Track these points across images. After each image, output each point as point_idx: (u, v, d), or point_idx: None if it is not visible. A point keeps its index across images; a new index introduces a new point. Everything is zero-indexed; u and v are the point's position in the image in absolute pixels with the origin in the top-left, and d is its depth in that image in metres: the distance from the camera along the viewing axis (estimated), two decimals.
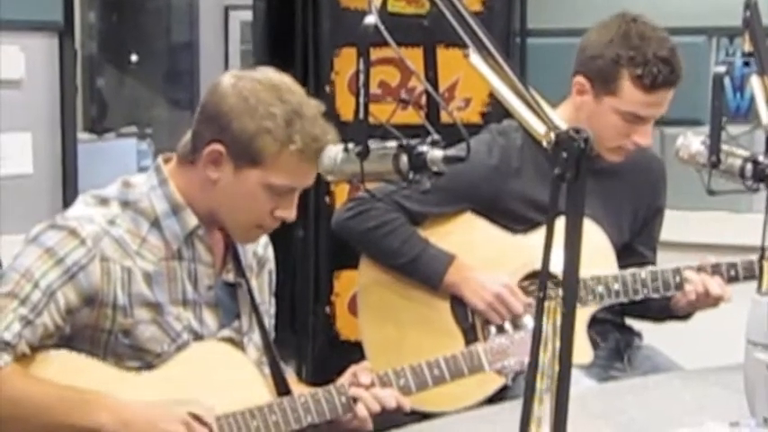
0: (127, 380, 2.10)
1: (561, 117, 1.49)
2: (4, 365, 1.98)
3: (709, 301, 2.73)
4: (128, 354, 2.13)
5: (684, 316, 2.86)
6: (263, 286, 2.37)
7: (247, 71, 2.20)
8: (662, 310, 2.84)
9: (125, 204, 2.17)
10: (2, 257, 2.75)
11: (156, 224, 2.17)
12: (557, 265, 1.41)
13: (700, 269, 2.74)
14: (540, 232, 2.74)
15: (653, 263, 2.92)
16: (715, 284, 2.72)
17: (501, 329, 2.69)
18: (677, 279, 2.74)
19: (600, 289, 2.73)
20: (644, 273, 2.74)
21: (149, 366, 2.15)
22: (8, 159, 3.67)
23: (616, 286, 2.73)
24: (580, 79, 2.76)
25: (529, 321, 2.51)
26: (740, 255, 2.78)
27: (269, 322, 2.39)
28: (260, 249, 2.36)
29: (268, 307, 2.39)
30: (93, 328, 2.11)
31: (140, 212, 2.16)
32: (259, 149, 2.10)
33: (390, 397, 2.23)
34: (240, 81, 2.14)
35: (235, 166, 2.13)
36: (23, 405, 1.99)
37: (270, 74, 2.17)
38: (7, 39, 3.65)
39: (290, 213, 2.18)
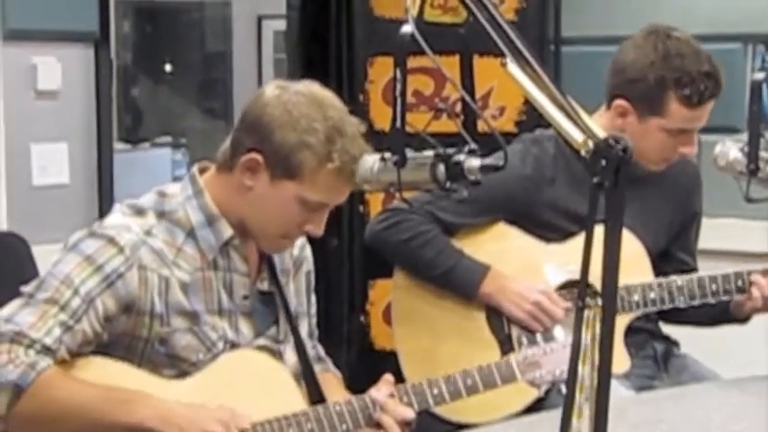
0: (162, 387, 2.11)
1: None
2: (47, 367, 1.99)
3: None
4: (163, 362, 2.14)
5: (743, 319, 2.84)
6: (299, 287, 2.37)
7: (291, 83, 2.20)
8: (721, 314, 2.82)
9: (161, 215, 2.18)
10: (39, 266, 2.78)
11: (191, 235, 2.18)
12: (594, 275, 1.41)
13: (766, 273, 2.72)
14: (574, 241, 2.74)
15: (694, 269, 2.90)
16: None
17: (532, 340, 2.68)
18: (739, 283, 2.72)
19: (636, 297, 2.71)
20: (679, 280, 2.72)
21: (184, 375, 2.15)
22: (45, 169, 3.70)
23: (652, 294, 2.72)
24: (622, 102, 2.73)
25: (560, 333, 2.49)
26: None
27: (309, 322, 2.40)
28: (296, 250, 2.36)
29: (306, 308, 2.40)
30: (131, 336, 2.12)
31: (176, 223, 2.17)
32: (297, 163, 2.11)
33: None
34: (284, 93, 2.14)
35: (271, 177, 2.14)
36: (66, 405, 2.00)
37: (313, 88, 2.17)
38: (44, 49, 3.68)
39: (318, 229, 2.19)
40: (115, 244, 2.10)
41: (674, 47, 2.68)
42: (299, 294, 2.37)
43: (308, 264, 2.41)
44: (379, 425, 2.20)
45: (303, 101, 2.13)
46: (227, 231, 2.19)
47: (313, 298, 2.43)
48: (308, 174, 2.11)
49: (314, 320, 2.43)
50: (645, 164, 2.70)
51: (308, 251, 2.41)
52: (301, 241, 2.37)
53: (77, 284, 2.05)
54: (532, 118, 3.53)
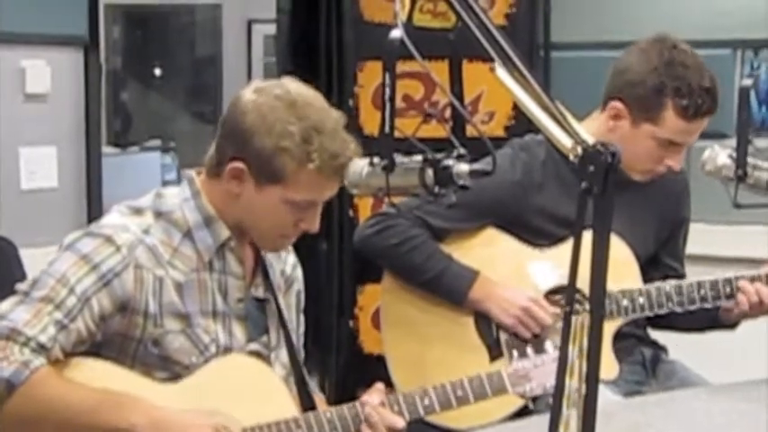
0: (153, 389, 2.10)
1: (587, 132, 1.48)
2: (40, 366, 1.99)
3: (762, 309, 2.71)
4: (156, 364, 2.14)
5: (732, 325, 2.84)
6: (290, 305, 2.37)
7: (269, 83, 2.19)
8: (709, 320, 2.82)
9: (158, 215, 2.18)
10: (28, 269, 2.77)
11: (188, 235, 2.18)
12: (582, 280, 1.41)
13: (754, 279, 2.72)
14: (563, 247, 2.74)
15: (682, 275, 2.90)
16: None
17: (523, 353, 2.67)
18: (728, 289, 2.72)
19: (625, 302, 2.72)
20: (668, 286, 2.73)
21: (176, 378, 2.15)
22: (34, 173, 3.70)
23: (641, 300, 2.72)
24: (617, 104, 2.73)
25: (550, 346, 2.49)
26: None
27: (297, 341, 2.39)
28: (288, 269, 2.36)
29: (296, 326, 2.39)
30: (124, 336, 2.12)
31: (173, 223, 2.17)
32: (278, 168, 2.10)
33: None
34: (260, 96, 2.14)
35: (256, 183, 2.14)
36: (57, 406, 2.00)
37: (290, 87, 2.16)
38: (33, 53, 3.68)
39: (313, 225, 2.19)
40: (112, 243, 2.10)
41: (678, 57, 2.68)
42: (290, 312, 2.36)
43: (299, 283, 2.40)
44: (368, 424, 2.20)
45: (279, 104, 2.12)
46: (224, 233, 2.19)
47: (302, 318, 2.42)
48: (290, 176, 2.11)
49: (301, 341, 2.43)
50: (629, 172, 2.70)
51: (299, 272, 2.40)
52: (293, 260, 2.38)
53: (73, 283, 2.05)
54: (522, 123, 3.53)
